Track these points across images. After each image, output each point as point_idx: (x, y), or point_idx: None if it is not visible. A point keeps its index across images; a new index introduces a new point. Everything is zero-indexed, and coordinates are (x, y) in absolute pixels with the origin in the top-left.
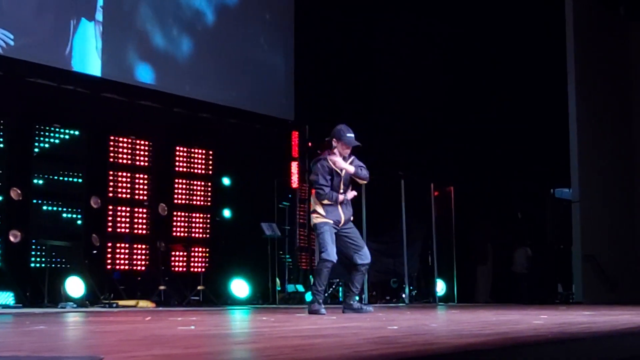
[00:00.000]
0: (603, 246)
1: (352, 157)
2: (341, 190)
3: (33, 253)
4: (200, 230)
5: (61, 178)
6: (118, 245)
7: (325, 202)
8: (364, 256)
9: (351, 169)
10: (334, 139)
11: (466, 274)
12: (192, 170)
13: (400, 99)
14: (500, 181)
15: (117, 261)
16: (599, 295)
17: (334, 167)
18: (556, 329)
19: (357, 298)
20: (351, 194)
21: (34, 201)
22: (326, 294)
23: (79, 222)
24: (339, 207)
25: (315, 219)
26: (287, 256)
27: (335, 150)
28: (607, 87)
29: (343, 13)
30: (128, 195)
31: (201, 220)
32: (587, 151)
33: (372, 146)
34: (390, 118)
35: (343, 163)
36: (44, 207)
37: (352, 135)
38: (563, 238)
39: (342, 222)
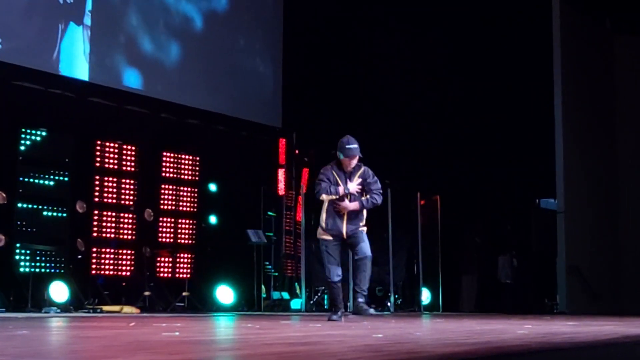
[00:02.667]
0: (587, 257)
1: (362, 173)
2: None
3: (17, 257)
4: (186, 237)
5: (47, 182)
6: (103, 250)
7: (324, 197)
8: (359, 251)
9: (352, 206)
10: (338, 152)
11: (451, 283)
12: (178, 176)
13: (387, 107)
14: (486, 191)
15: (102, 266)
16: (583, 305)
17: (336, 175)
18: (540, 339)
19: (361, 300)
20: (353, 204)
21: (19, 205)
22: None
23: (64, 226)
24: (344, 219)
25: (318, 234)
26: (269, 265)
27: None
28: (593, 99)
29: (331, 21)
30: (114, 200)
31: (187, 226)
32: (572, 162)
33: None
34: (376, 126)
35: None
36: (29, 211)
37: (353, 146)
38: (548, 248)
39: (345, 234)
